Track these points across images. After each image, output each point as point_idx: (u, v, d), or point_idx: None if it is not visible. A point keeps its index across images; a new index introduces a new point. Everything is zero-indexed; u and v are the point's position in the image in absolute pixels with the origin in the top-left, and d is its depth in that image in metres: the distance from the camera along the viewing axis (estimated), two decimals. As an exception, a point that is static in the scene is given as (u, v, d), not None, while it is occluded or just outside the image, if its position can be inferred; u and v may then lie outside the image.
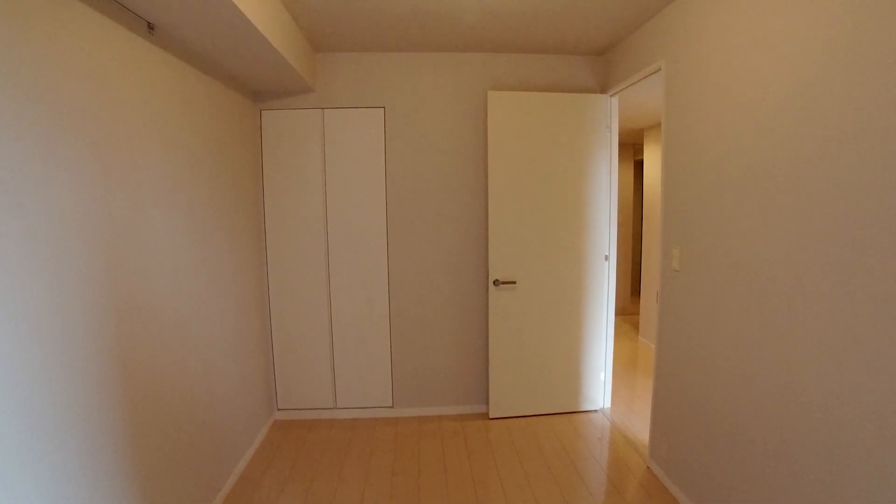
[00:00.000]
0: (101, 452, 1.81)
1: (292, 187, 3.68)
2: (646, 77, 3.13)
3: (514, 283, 3.69)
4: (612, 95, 3.68)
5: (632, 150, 7.06)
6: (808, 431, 1.81)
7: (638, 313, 7.02)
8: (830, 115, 1.70)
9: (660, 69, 2.94)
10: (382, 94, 3.66)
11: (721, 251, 2.35)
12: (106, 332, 1.86)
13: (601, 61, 3.78)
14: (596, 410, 3.96)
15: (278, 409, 3.89)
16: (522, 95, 3.57)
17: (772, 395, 2.01)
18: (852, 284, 1.62)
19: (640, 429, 3.63)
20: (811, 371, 1.80)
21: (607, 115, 3.72)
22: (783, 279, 1.94)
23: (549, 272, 3.74)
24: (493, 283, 3.67)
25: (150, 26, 2.18)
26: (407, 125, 3.70)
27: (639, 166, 7.44)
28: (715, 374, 2.41)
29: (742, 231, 2.19)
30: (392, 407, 3.94)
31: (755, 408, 2.11)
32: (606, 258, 3.82)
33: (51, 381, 1.57)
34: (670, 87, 2.81)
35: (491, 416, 3.84)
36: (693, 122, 2.58)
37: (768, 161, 2.01)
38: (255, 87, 3.41)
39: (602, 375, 3.94)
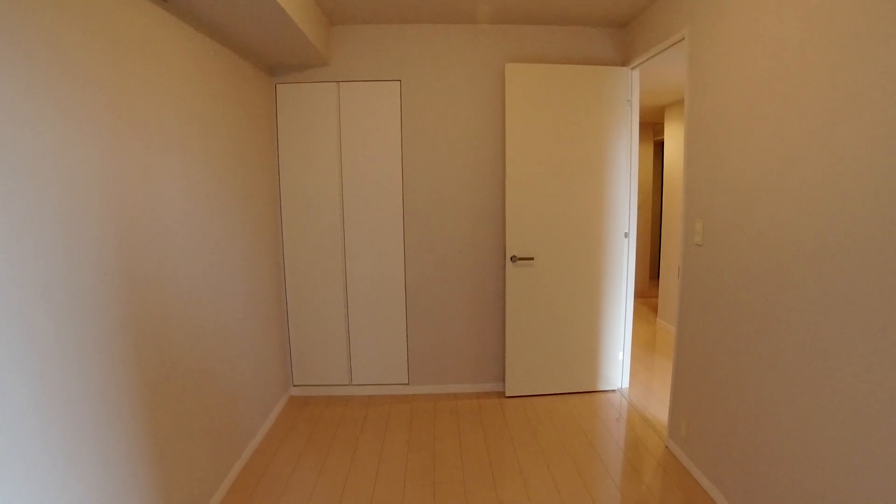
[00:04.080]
0: (114, 423, 1.80)
1: (308, 161, 3.65)
2: (668, 48, 3.03)
3: (532, 259, 3.63)
4: (633, 68, 3.59)
5: (652, 131, 6.92)
6: (837, 412, 1.75)
7: (656, 296, 6.93)
8: (863, 80, 1.61)
9: (683, 38, 2.84)
10: (398, 67, 3.60)
11: (746, 224, 2.27)
12: (119, 302, 1.84)
13: (622, 33, 3.67)
14: (614, 390, 3.91)
15: (294, 386, 3.90)
16: (541, 68, 3.49)
17: (800, 373, 1.94)
18: (889, 260, 1.54)
19: (659, 410, 3.57)
20: (844, 350, 1.72)
21: (628, 89, 3.63)
22: (812, 255, 1.86)
23: (567, 248, 3.68)
24: (511, 259, 3.61)
25: (163, -10, 2.15)
26: (423, 98, 3.63)
27: (659, 147, 7.29)
28: (738, 352, 2.34)
29: (767, 203, 2.10)
30: (407, 384, 3.92)
31: (782, 387, 2.04)
32: (626, 235, 3.74)
33: (63, 351, 1.56)
34: (694, 57, 2.72)
35: (507, 395, 3.81)
36: (717, 92, 2.49)
37: (796, 130, 1.92)
38: (270, 60, 3.37)
39: (620, 355, 3.87)
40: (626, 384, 3.94)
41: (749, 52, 2.23)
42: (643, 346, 5.01)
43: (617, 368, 3.89)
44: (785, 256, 2.01)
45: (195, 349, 2.40)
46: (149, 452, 2.00)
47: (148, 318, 2.02)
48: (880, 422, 1.57)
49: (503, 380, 3.93)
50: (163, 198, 2.15)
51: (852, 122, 1.67)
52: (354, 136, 3.63)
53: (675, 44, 2.96)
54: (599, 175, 3.64)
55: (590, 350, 3.82)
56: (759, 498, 2.19)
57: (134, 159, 1.95)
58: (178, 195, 2.28)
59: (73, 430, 1.58)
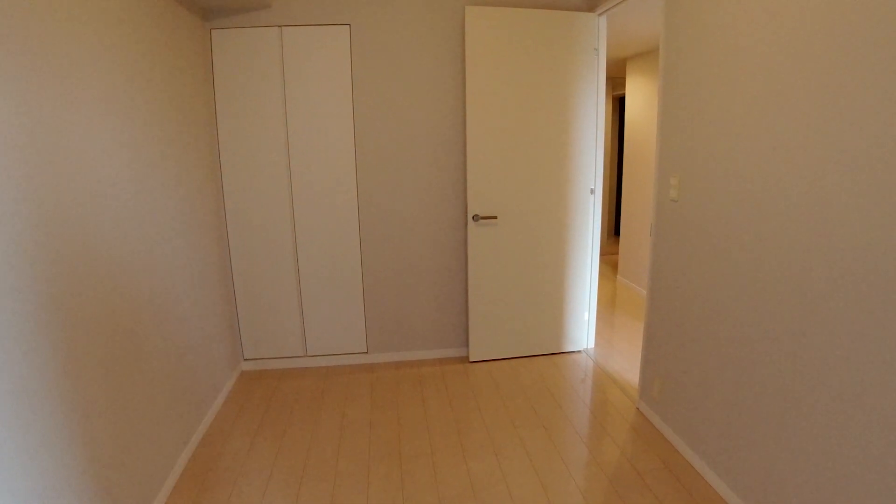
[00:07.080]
0: (40, 418, 1.54)
1: (249, 116, 3.30)
2: (641, -11, 2.84)
3: (495, 217, 3.45)
4: (600, 14, 3.37)
5: (611, 85, 6.77)
6: (821, 368, 1.66)
7: (616, 253, 6.92)
8: (864, 28, 1.45)
9: (657, -21, 2.65)
10: (348, 10, 3.26)
11: (728, 179, 2.13)
12: (40, 278, 1.55)
13: (589, -25, 3.44)
14: (579, 351, 3.83)
15: (244, 360, 3.65)
16: (504, 11, 3.23)
17: (784, 331, 1.84)
18: (885, 215, 1.42)
19: (626, 369, 3.51)
20: (835, 308, 1.62)
21: (595, 37, 3.42)
22: (802, 209, 1.73)
23: (531, 206, 3.51)
24: (473, 218, 3.42)
25: None
26: (375, 44, 3.32)
27: (617, 102, 7.16)
28: (718, 310, 2.24)
29: (754, 157, 1.96)
30: (366, 353, 3.73)
31: (764, 346, 1.95)
32: (592, 192, 3.60)
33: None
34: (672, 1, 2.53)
35: (471, 360, 3.68)
36: (698, 40, 2.31)
37: (789, 79, 1.77)
38: (203, 2, 2.98)
39: (586, 315, 3.79)
40: (591, 344, 3.87)
41: (734, -12, 2.05)
42: (605, 304, 4.96)
43: (582, 329, 3.81)
44: (771, 211, 1.89)
45: (133, 328, 2.12)
46: (83, 447, 1.74)
47: (77, 297, 1.73)
48: (868, 380, 1.48)
49: (467, 344, 3.79)
50: (88, 158, 1.83)
51: (851, 71, 1.52)
52: (300, 86, 3.30)
53: (647, -15, 2.76)
54: (565, 128, 3.46)
55: (555, 310, 3.72)
56: (737, 459, 2.14)
57: (51, 115, 1.63)
58: (105, 155, 1.96)
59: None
